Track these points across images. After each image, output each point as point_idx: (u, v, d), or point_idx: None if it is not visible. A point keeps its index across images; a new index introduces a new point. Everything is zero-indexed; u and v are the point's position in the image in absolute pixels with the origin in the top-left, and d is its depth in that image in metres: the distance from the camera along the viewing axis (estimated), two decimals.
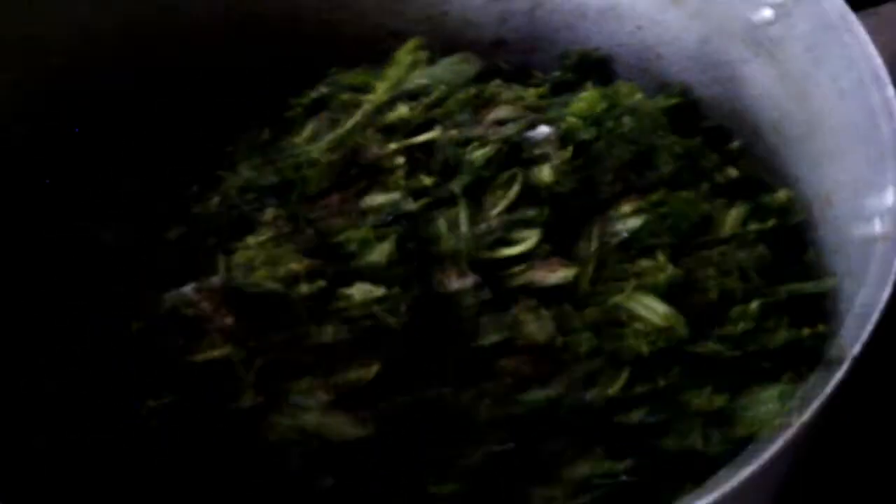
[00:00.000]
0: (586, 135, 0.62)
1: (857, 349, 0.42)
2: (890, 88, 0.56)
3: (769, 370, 0.56)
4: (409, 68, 0.68)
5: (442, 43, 0.84)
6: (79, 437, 0.56)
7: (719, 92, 0.73)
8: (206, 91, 0.78)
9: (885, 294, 0.44)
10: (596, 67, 0.78)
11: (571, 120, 0.62)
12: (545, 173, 0.60)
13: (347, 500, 0.55)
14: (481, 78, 0.72)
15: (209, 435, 0.55)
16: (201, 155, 0.74)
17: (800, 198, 0.66)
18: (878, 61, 0.58)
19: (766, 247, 0.62)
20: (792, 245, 0.64)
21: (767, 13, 0.64)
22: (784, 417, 0.40)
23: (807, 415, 0.39)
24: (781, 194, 0.66)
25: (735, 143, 0.70)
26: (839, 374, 0.41)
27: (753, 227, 0.63)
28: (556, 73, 0.78)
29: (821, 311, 0.60)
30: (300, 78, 0.80)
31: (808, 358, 0.54)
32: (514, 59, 0.83)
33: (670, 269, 0.58)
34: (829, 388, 0.41)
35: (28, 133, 0.69)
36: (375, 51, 0.84)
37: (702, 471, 0.48)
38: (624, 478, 0.53)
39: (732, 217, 0.63)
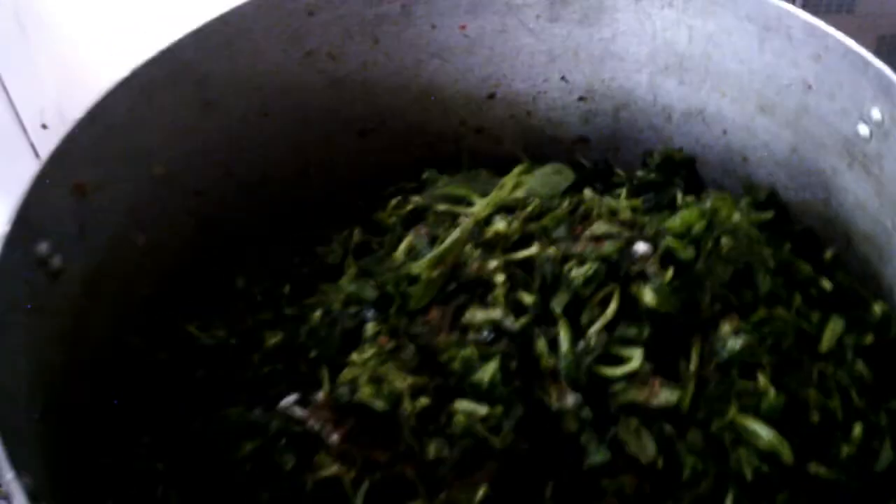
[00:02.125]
0: (685, 255, 0.62)
1: None
2: None
3: (875, 495, 0.56)
4: (512, 189, 0.69)
5: (524, 140, 0.86)
6: None
7: (809, 198, 0.73)
8: (299, 190, 0.80)
9: None
10: (680, 167, 0.79)
11: (670, 240, 0.63)
12: (648, 296, 0.60)
13: None
14: (572, 184, 0.73)
15: None
16: (294, 253, 0.76)
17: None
18: None
19: (865, 363, 0.62)
20: (893, 359, 0.64)
21: (864, 130, 0.64)
22: None
23: None
24: (877, 308, 0.66)
25: (828, 253, 0.70)
26: None
27: (851, 342, 0.63)
28: (640, 173, 0.79)
29: None
30: (385, 173, 0.82)
31: None
32: (595, 156, 0.85)
33: (773, 393, 0.58)
34: None
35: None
36: (458, 146, 0.86)
37: None
38: None
39: (829, 333, 0.63)
